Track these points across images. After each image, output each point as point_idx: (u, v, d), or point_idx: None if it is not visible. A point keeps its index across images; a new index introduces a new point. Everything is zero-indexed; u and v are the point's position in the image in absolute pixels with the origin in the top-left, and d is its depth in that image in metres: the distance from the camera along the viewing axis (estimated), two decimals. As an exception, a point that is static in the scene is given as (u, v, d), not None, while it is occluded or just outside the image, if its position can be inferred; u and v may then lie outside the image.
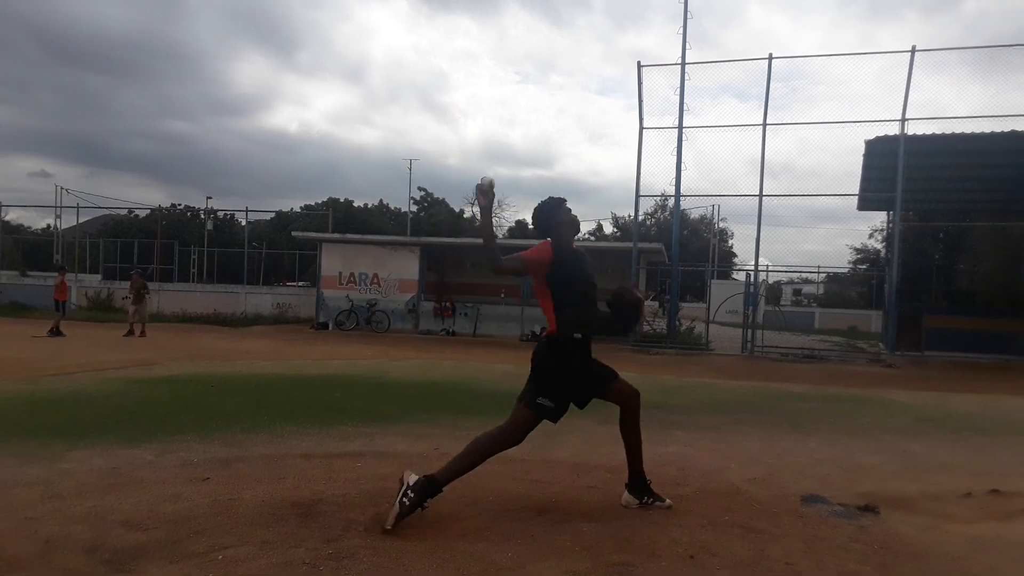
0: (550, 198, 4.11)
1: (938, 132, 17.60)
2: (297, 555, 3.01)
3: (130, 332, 17.46)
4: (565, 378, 3.92)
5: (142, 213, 45.26)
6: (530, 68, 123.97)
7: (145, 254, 32.62)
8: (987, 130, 17.01)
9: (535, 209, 4.13)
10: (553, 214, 4.07)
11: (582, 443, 5.87)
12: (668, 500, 4.07)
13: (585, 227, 70.73)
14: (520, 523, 3.57)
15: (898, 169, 17.61)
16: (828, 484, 4.73)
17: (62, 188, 32.87)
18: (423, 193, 52.51)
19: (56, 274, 19.82)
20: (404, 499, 3.46)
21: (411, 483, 3.54)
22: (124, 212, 45.07)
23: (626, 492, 4.05)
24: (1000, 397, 10.46)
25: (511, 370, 11.72)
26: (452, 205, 54.75)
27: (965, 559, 3.35)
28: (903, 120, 17.52)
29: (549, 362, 3.94)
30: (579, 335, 3.95)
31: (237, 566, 2.87)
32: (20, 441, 5.25)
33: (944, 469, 5.38)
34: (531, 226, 4.18)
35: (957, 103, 23.03)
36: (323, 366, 11.41)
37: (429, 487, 3.55)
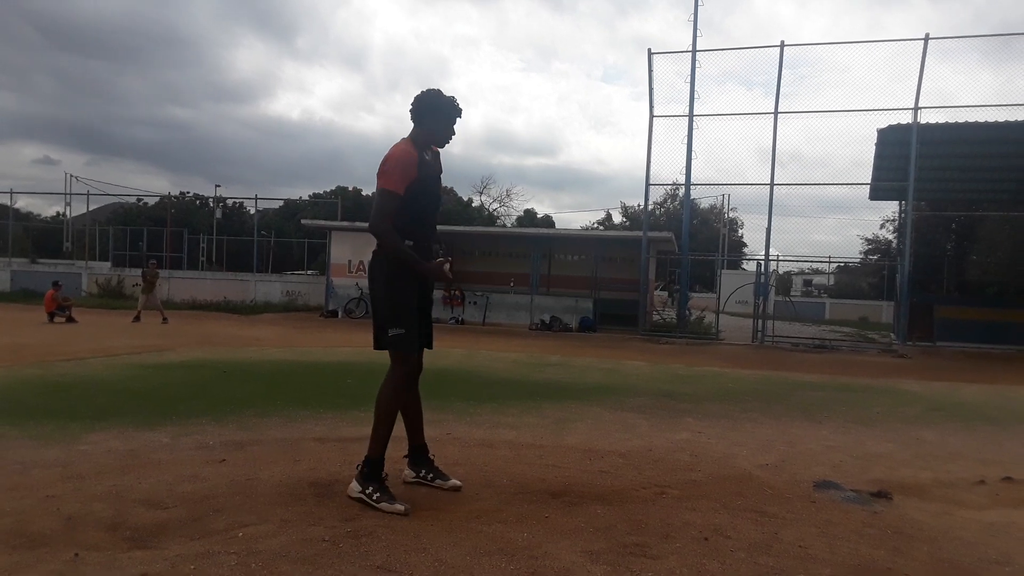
0: (451, 99, 3.78)
1: (950, 121, 17.48)
2: (316, 533, 3.05)
3: (137, 318, 17.58)
4: (408, 299, 3.68)
5: (151, 201, 45.45)
6: (532, 54, 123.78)
7: (154, 242, 32.78)
8: (999, 119, 16.90)
9: (427, 93, 3.78)
10: (437, 116, 3.76)
11: (592, 429, 5.89)
12: (453, 480, 3.89)
13: (594, 216, 70.68)
14: (534, 505, 3.60)
15: (911, 158, 17.52)
16: (840, 471, 4.75)
17: (71, 176, 33.05)
18: (431, 182, 52.29)
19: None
20: (373, 500, 3.45)
21: (359, 490, 3.53)
22: (133, 200, 45.27)
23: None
24: (1012, 387, 10.43)
25: (522, 358, 11.77)
26: (460, 194, 54.67)
27: (979, 544, 3.36)
28: (916, 109, 17.41)
29: (388, 278, 3.66)
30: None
31: (258, 543, 2.91)
32: (36, 424, 5.30)
33: (956, 457, 5.38)
34: (412, 102, 3.76)
35: (967, 91, 22.84)
36: (334, 353, 11.46)
37: (371, 468, 3.55)
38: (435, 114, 3.75)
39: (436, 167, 3.84)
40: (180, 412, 5.92)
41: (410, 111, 3.77)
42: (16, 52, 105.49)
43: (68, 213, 35.03)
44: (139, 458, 4.38)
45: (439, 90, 3.78)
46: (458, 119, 3.83)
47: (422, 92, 3.78)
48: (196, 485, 3.76)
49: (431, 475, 3.90)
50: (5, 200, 34.97)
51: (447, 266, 3.71)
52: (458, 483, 3.88)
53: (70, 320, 16.61)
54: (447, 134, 3.82)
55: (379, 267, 3.68)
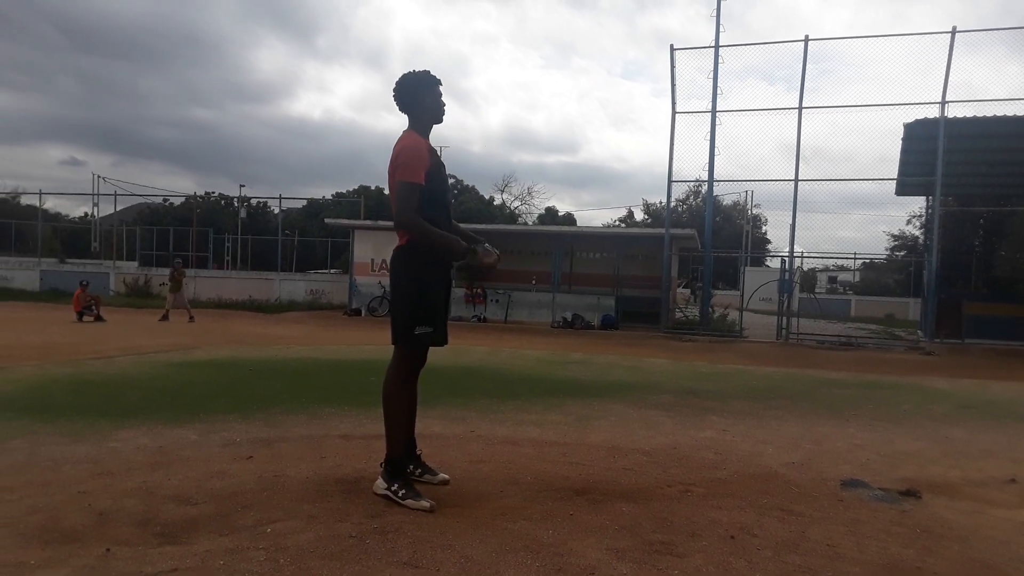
0: (426, 73, 3.74)
1: (978, 115, 17.20)
2: (343, 529, 3.07)
3: (165, 317, 17.79)
4: (436, 296, 3.66)
5: (176, 201, 46.01)
6: (551, 51, 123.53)
7: (180, 242, 33.16)
8: (1028, 113, 16.60)
9: (403, 78, 3.73)
10: (420, 93, 3.71)
11: (616, 427, 5.88)
12: (442, 474, 3.87)
13: (615, 214, 70.39)
14: (559, 503, 3.60)
15: (938, 153, 17.26)
16: (868, 469, 4.70)
17: (99, 176, 33.54)
18: (452, 180, 52.60)
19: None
20: (399, 497, 3.46)
21: (385, 487, 3.54)
22: (159, 200, 45.83)
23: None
24: (1043, 385, 10.26)
25: (544, 356, 11.77)
26: (481, 192, 54.80)
27: (1011, 543, 3.32)
28: (943, 103, 17.15)
29: (415, 274, 3.61)
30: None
31: (286, 539, 2.94)
32: (67, 421, 5.39)
33: (986, 455, 5.31)
34: (392, 94, 3.74)
35: (995, 84, 22.45)
36: (358, 351, 11.53)
37: (394, 467, 3.58)
38: (422, 93, 3.71)
39: (437, 156, 3.78)
40: (207, 409, 5.98)
41: (398, 104, 3.74)
42: (40, 54, 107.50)
43: (96, 213, 35.58)
44: (168, 455, 4.43)
45: (411, 70, 3.76)
46: (441, 88, 3.80)
47: (398, 83, 3.73)
48: (224, 481, 3.80)
49: (419, 470, 3.84)
50: (34, 201, 35.50)
51: (493, 257, 3.71)
52: (446, 477, 3.87)
53: (98, 319, 16.85)
54: (440, 106, 3.78)
55: (404, 262, 3.60)
